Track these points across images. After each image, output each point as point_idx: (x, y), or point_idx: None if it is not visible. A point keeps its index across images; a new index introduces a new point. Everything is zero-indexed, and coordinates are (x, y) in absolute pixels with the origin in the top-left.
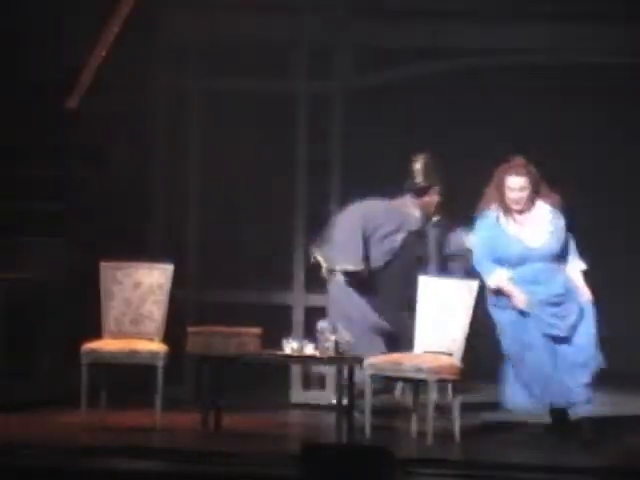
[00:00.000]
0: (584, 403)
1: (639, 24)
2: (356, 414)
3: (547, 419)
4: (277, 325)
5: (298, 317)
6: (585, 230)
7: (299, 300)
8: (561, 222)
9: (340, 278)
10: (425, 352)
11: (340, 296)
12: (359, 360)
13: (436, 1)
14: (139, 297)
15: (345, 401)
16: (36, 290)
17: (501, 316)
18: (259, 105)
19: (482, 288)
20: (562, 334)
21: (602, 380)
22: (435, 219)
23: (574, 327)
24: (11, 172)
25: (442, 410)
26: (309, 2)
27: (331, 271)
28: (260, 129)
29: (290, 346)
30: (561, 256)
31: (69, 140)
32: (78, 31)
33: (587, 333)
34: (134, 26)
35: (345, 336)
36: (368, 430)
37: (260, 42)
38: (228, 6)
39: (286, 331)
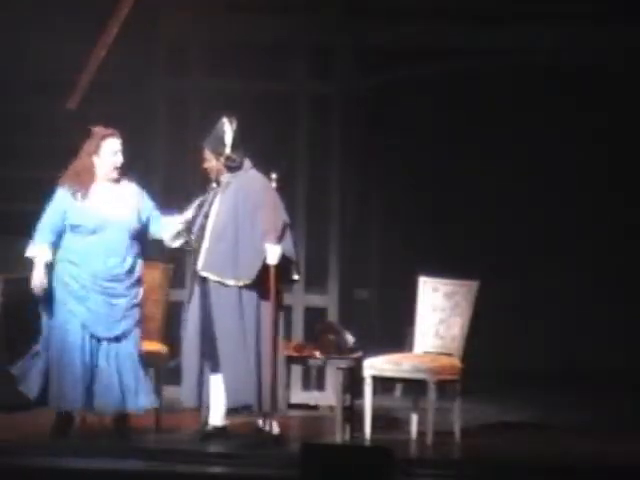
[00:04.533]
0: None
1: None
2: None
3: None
4: None
5: (298, 317)
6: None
7: (299, 300)
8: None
9: None
10: (425, 352)
11: None
12: (359, 360)
13: (436, 1)
14: None
15: (345, 401)
16: None
17: None
18: (259, 105)
19: None
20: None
21: None
22: None
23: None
24: (11, 173)
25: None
26: (309, 2)
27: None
28: (260, 129)
29: (290, 346)
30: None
31: (69, 140)
32: (78, 31)
33: None
34: (134, 26)
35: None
36: (368, 430)
37: (260, 42)
38: (228, 6)
39: (286, 331)
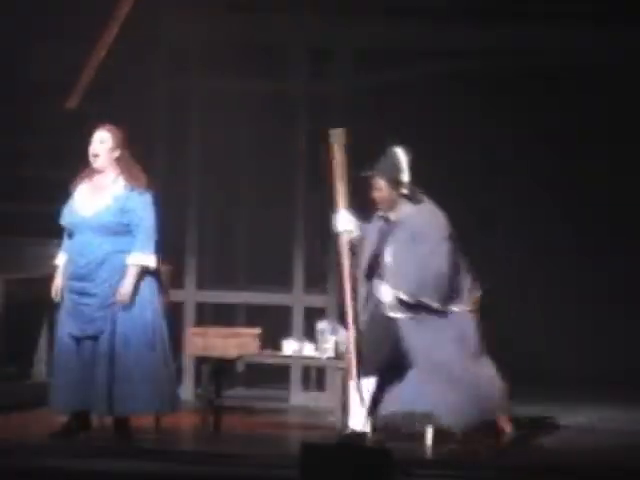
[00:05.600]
0: None
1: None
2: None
3: None
4: (277, 325)
5: (298, 317)
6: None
7: (299, 300)
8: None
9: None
10: None
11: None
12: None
13: (436, 1)
14: None
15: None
16: (36, 290)
17: None
18: (259, 105)
19: None
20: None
21: None
22: None
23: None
24: (11, 173)
25: None
26: (309, 2)
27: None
28: (260, 129)
29: (290, 346)
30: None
31: (69, 140)
32: (78, 31)
33: None
34: (134, 26)
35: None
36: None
37: (260, 42)
38: (228, 6)
39: (286, 331)
